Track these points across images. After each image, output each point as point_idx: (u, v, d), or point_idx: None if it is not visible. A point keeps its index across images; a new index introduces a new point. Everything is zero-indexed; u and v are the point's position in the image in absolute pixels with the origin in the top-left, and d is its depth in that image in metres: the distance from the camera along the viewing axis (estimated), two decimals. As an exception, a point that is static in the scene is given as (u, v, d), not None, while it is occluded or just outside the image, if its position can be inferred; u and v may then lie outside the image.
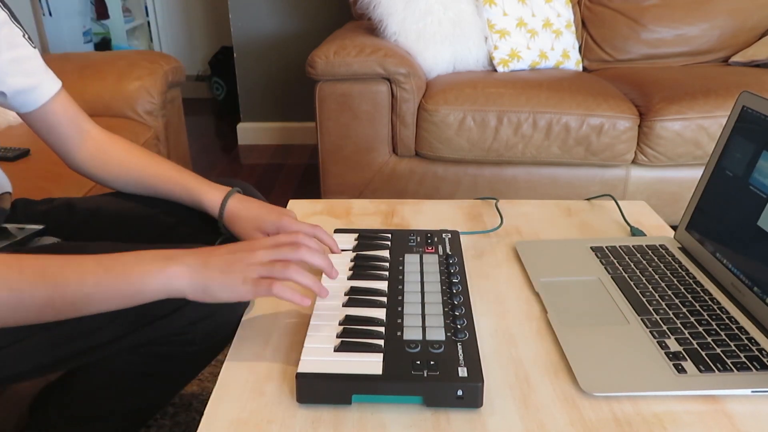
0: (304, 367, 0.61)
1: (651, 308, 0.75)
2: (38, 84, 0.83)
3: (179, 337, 0.72)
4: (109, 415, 0.80)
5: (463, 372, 0.60)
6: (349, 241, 0.88)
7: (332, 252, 0.82)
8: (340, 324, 0.68)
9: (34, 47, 0.84)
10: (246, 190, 0.96)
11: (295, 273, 0.64)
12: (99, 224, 0.90)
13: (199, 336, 0.72)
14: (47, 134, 0.87)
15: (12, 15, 0.81)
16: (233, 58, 2.85)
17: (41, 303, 0.59)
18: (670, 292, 0.78)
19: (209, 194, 0.85)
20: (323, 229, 0.80)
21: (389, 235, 0.89)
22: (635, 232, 0.99)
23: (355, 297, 0.73)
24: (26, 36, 0.82)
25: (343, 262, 0.82)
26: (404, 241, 0.87)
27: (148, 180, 0.89)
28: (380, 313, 0.70)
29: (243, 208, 0.84)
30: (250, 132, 3.00)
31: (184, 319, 0.71)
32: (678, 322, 0.72)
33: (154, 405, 0.86)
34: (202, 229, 0.88)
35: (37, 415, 0.84)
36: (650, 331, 0.70)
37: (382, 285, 0.76)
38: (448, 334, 0.66)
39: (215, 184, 0.87)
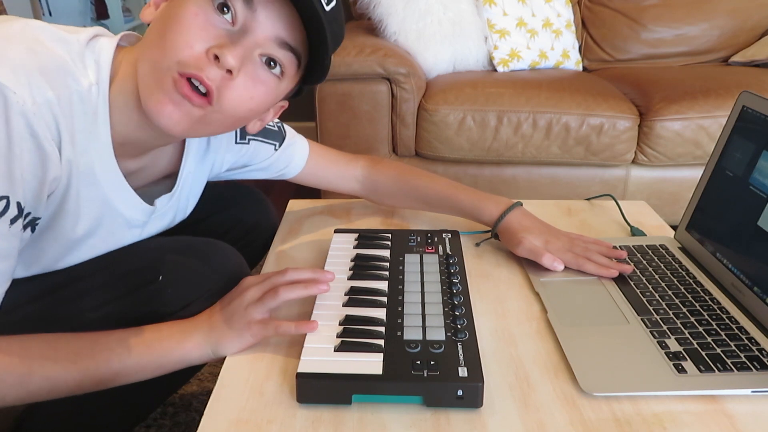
0: (304, 367, 0.61)
1: (651, 308, 0.75)
2: (286, 166, 0.96)
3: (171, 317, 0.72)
4: (109, 410, 0.80)
5: (463, 372, 0.60)
6: (349, 241, 0.88)
7: None
8: (340, 324, 0.68)
9: (283, 137, 0.93)
10: (251, 193, 1.03)
11: (285, 294, 0.69)
12: None
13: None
14: (314, 185, 1.02)
15: (256, 134, 0.90)
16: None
17: (73, 386, 0.63)
18: (670, 292, 0.78)
19: (487, 208, 0.92)
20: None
21: (389, 235, 0.89)
22: (635, 232, 0.99)
23: (355, 297, 0.73)
24: (268, 140, 0.92)
25: (343, 262, 0.82)
26: (404, 241, 0.87)
27: (424, 198, 0.99)
28: (380, 313, 0.70)
29: (515, 224, 0.89)
30: (250, 132, 3.00)
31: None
32: (678, 322, 0.72)
33: (153, 400, 0.86)
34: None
35: (33, 416, 0.84)
36: (650, 331, 0.70)
37: (382, 285, 0.76)
38: (448, 334, 0.66)
39: (491, 196, 0.94)
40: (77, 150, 0.63)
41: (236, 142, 0.88)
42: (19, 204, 0.58)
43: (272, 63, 0.64)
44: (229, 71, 0.60)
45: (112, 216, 0.72)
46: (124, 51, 0.68)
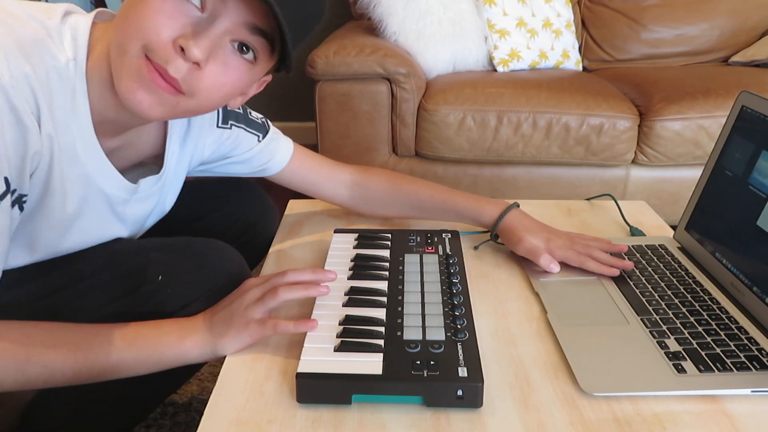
0: (304, 367, 0.61)
1: (651, 308, 0.75)
2: (269, 160, 0.93)
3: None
4: (109, 409, 0.80)
5: (463, 372, 0.60)
6: (349, 241, 0.88)
7: None
8: (340, 324, 0.68)
9: (266, 130, 0.92)
10: (251, 189, 1.02)
11: (284, 294, 0.69)
12: None
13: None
14: (298, 188, 0.98)
15: (239, 120, 0.88)
16: (233, 58, 2.84)
17: (71, 376, 0.63)
18: (669, 292, 0.78)
19: (487, 209, 0.92)
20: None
21: (389, 235, 0.89)
22: (635, 232, 0.99)
23: (355, 297, 0.73)
24: (251, 130, 0.90)
25: (343, 262, 0.82)
26: (404, 241, 0.87)
27: (419, 204, 0.96)
28: (380, 313, 0.70)
29: (515, 223, 0.89)
30: (250, 132, 2.99)
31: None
32: (678, 322, 0.72)
33: (153, 399, 0.86)
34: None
35: (35, 415, 0.84)
36: (650, 331, 0.71)
37: (382, 285, 0.76)
38: (448, 334, 0.66)
39: (488, 199, 0.93)
40: (58, 128, 0.62)
41: (218, 126, 0.86)
42: (6, 179, 0.57)
43: (244, 48, 0.62)
44: (196, 63, 0.59)
45: (95, 193, 0.71)
46: (99, 27, 0.66)
